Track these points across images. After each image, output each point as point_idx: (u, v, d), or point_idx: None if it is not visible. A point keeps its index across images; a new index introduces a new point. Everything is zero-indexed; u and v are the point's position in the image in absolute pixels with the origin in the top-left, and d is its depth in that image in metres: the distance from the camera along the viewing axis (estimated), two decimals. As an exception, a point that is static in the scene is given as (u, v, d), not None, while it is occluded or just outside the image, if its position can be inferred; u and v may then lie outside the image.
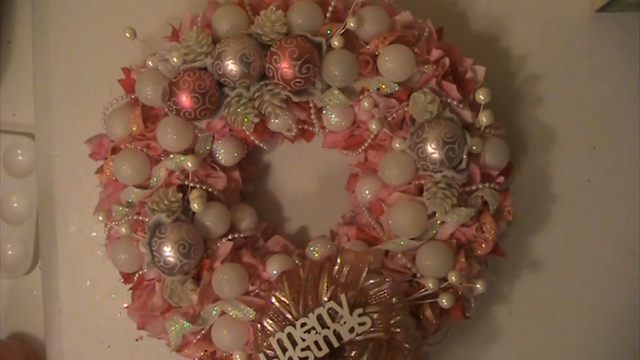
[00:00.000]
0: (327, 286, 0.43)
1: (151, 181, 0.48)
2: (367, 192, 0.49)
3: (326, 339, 0.42)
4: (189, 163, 0.46)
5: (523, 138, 0.54)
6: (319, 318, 0.42)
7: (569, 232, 0.53)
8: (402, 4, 0.49)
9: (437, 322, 0.46)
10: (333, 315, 0.42)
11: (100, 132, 0.51)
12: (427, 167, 0.46)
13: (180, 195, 0.47)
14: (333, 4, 0.46)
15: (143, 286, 0.49)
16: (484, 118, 0.46)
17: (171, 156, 0.48)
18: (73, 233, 0.55)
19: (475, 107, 0.47)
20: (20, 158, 0.59)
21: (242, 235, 0.49)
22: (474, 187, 0.47)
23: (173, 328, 0.47)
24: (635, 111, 0.54)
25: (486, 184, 0.47)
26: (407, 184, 0.47)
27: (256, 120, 0.47)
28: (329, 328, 0.42)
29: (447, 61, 0.47)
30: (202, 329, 0.47)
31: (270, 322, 0.43)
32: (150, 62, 0.48)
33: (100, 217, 0.48)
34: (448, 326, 0.49)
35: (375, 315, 0.42)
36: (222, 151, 0.49)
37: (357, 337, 0.42)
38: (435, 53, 0.47)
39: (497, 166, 0.48)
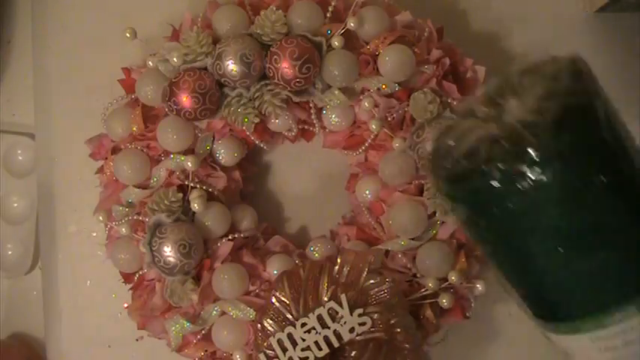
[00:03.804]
0: (327, 286, 0.43)
1: (151, 181, 0.48)
2: (367, 192, 0.49)
3: (326, 339, 0.42)
4: (189, 163, 0.46)
5: (523, 138, 0.54)
6: (319, 318, 0.42)
7: (569, 232, 0.53)
8: (402, 4, 0.49)
9: (437, 322, 0.46)
10: (334, 315, 0.42)
11: (100, 132, 0.51)
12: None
13: (181, 195, 0.47)
14: (333, 4, 0.46)
15: (143, 286, 0.49)
16: (484, 118, 0.46)
17: (172, 156, 0.48)
18: (73, 233, 0.55)
19: (475, 107, 0.47)
20: (20, 158, 0.59)
21: (242, 235, 0.49)
22: (474, 187, 0.47)
23: (173, 328, 0.47)
24: (636, 111, 0.54)
25: (486, 184, 0.47)
26: (407, 184, 0.47)
27: (256, 120, 0.47)
28: (329, 328, 0.42)
29: (447, 61, 0.47)
30: (202, 329, 0.47)
31: (271, 322, 0.43)
32: (150, 62, 0.48)
33: (100, 217, 0.48)
34: (448, 326, 0.49)
35: (375, 315, 0.42)
36: (223, 151, 0.49)
37: (357, 337, 0.42)
38: (435, 53, 0.47)
39: (497, 166, 0.48)
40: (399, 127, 0.48)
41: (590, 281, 0.29)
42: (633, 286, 0.29)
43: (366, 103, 0.46)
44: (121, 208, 0.48)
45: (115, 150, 0.49)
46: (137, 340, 0.54)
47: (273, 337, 0.43)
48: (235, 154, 0.50)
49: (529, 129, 0.28)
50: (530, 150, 0.27)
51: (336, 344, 0.42)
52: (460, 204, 0.31)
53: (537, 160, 0.27)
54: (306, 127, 0.51)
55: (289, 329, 0.42)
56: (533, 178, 0.27)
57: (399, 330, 0.43)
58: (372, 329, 0.42)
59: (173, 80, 0.46)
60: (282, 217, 0.54)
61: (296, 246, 0.51)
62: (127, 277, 0.49)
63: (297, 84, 0.45)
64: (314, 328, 0.42)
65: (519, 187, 0.28)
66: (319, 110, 0.49)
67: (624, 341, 0.29)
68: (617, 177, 0.29)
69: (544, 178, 0.27)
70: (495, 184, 0.28)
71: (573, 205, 0.28)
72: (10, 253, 0.58)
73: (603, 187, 0.28)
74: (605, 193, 0.28)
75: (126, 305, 0.51)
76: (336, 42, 0.45)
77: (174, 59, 0.46)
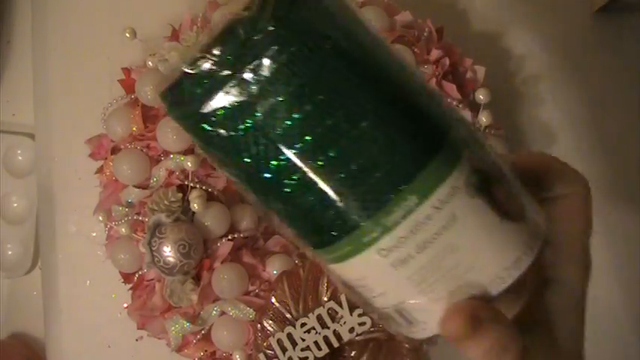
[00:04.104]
0: (327, 286, 0.43)
1: (151, 181, 0.48)
2: (367, 192, 0.49)
3: (326, 339, 0.42)
4: (189, 163, 0.46)
5: (523, 138, 0.54)
6: (319, 318, 0.42)
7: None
8: (402, 4, 0.49)
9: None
10: (333, 315, 0.42)
11: (100, 132, 0.51)
12: (427, 167, 0.45)
13: (180, 195, 0.47)
14: (333, 4, 0.46)
15: (143, 286, 0.49)
16: (484, 118, 0.46)
17: (172, 156, 0.48)
18: (73, 233, 0.55)
19: (475, 107, 0.47)
20: (20, 158, 0.59)
21: (242, 235, 0.49)
22: (473, 187, 0.47)
23: (173, 328, 0.47)
24: (635, 110, 0.54)
25: (486, 184, 0.47)
26: (407, 184, 0.47)
27: (256, 120, 0.47)
28: (329, 328, 0.42)
29: (446, 61, 0.47)
30: (202, 329, 0.47)
31: (270, 322, 0.43)
32: (150, 62, 0.48)
33: (100, 217, 0.48)
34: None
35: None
36: (222, 151, 0.49)
37: (356, 337, 0.42)
38: (435, 53, 0.47)
39: (497, 166, 0.48)
40: (399, 127, 0.48)
41: (354, 175, 0.23)
42: (406, 166, 0.23)
43: (365, 103, 0.46)
44: (120, 208, 0.48)
45: (115, 150, 0.49)
46: (137, 340, 0.54)
47: (273, 337, 0.43)
48: (235, 154, 0.49)
49: (240, 18, 0.22)
50: (242, 24, 0.22)
51: (335, 344, 0.42)
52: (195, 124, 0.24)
53: (251, 29, 0.22)
54: (305, 127, 0.50)
55: (289, 329, 0.42)
56: (254, 49, 0.22)
57: (398, 330, 0.43)
58: (371, 329, 0.42)
59: (173, 80, 0.46)
60: (282, 217, 0.54)
61: (296, 246, 0.51)
62: (126, 277, 0.49)
63: (296, 84, 0.45)
64: (314, 328, 0.42)
65: (245, 73, 0.22)
66: (319, 110, 0.49)
67: (417, 245, 0.23)
68: (350, 44, 0.23)
69: (264, 47, 0.22)
70: (225, 72, 0.22)
71: (308, 84, 0.22)
72: (10, 253, 0.58)
73: (335, 54, 0.23)
74: (338, 60, 0.23)
75: (126, 305, 0.51)
76: (335, 42, 0.45)
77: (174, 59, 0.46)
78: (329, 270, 0.26)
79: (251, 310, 0.46)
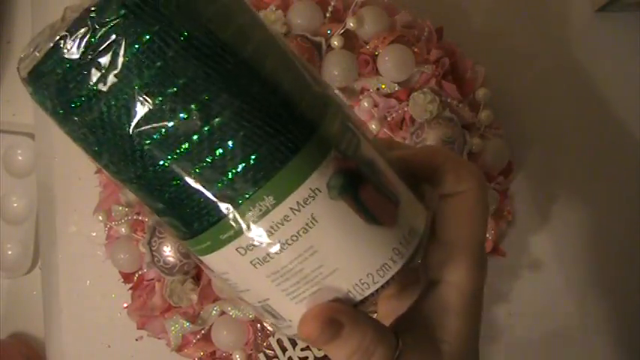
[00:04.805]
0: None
1: (151, 181, 0.48)
2: (367, 192, 0.49)
3: (326, 339, 0.42)
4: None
5: (523, 138, 0.54)
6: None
7: (570, 232, 0.53)
8: (402, 4, 0.49)
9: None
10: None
11: (100, 132, 0.51)
12: (427, 167, 0.45)
13: (180, 195, 0.47)
14: (332, 4, 0.46)
15: (143, 286, 0.49)
16: (484, 118, 0.46)
17: (171, 156, 0.48)
18: (73, 233, 0.55)
19: (475, 107, 0.47)
20: (20, 158, 0.59)
21: (242, 235, 0.49)
22: (473, 187, 0.47)
23: (173, 328, 0.47)
24: (636, 110, 0.54)
25: (486, 184, 0.47)
26: (407, 184, 0.47)
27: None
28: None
29: (446, 61, 0.47)
30: (202, 329, 0.47)
31: (270, 322, 0.43)
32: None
33: (100, 217, 0.48)
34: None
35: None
36: (222, 151, 0.49)
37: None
38: (435, 53, 0.47)
39: (496, 166, 0.48)
40: (399, 127, 0.48)
41: (210, 171, 0.22)
42: (263, 166, 0.22)
43: (365, 103, 0.46)
44: (120, 207, 0.48)
45: (115, 150, 0.49)
46: (137, 340, 0.54)
47: (273, 337, 0.43)
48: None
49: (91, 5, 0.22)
50: (93, 11, 0.21)
51: (335, 344, 0.42)
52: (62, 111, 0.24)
53: (99, 18, 0.21)
54: (305, 127, 0.50)
55: (289, 329, 0.42)
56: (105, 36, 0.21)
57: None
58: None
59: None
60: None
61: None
62: (126, 277, 0.49)
63: (296, 84, 0.45)
64: (313, 328, 0.42)
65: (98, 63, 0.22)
66: (319, 110, 0.49)
67: (275, 245, 0.23)
68: (202, 39, 0.22)
69: (113, 37, 0.21)
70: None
71: (159, 77, 0.22)
72: (10, 253, 0.58)
73: (190, 49, 0.22)
74: (193, 55, 0.22)
75: (126, 305, 0.51)
76: (335, 42, 0.45)
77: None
78: (199, 261, 0.26)
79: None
